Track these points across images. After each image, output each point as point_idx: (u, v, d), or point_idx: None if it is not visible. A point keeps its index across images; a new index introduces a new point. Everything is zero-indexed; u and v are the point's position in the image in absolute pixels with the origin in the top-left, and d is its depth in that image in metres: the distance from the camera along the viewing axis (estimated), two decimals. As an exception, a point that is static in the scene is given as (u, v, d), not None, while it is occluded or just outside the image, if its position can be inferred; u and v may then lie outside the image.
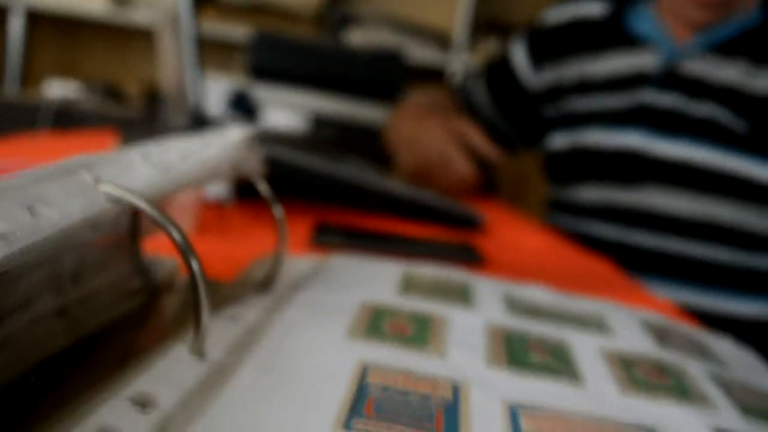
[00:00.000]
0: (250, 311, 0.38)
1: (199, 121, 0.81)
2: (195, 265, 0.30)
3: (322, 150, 0.96)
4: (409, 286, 0.48)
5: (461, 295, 0.47)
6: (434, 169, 1.04)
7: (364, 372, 0.33)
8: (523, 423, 0.31)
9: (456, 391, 0.33)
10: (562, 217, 1.11)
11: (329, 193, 0.80)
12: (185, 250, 0.30)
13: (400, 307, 0.43)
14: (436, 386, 0.33)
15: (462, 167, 1.02)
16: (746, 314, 0.94)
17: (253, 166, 0.43)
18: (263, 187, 0.42)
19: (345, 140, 1.60)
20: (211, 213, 0.70)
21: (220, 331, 0.34)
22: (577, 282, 0.69)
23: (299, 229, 0.69)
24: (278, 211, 0.43)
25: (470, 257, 0.67)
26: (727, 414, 0.35)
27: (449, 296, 0.47)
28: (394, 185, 0.88)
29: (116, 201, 0.29)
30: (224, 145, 0.40)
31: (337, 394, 0.31)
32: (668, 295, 0.89)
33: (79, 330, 0.32)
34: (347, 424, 0.29)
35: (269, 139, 0.89)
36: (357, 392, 0.31)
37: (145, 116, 2.34)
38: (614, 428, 0.32)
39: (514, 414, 0.32)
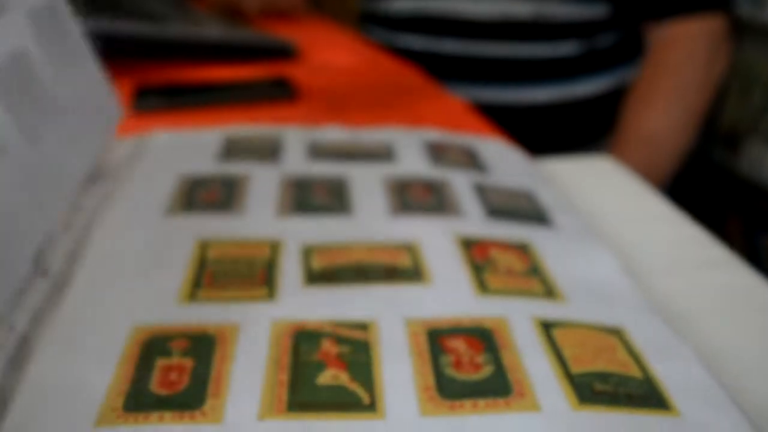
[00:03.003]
0: (80, 215, 0.45)
1: None
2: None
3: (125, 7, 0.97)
4: (228, 151, 0.55)
5: (271, 151, 0.55)
6: None
7: (203, 249, 0.41)
8: (316, 259, 0.41)
9: (274, 249, 0.42)
10: (376, 30, 1.17)
11: (147, 51, 0.84)
12: None
13: (213, 173, 0.50)
14: (258, 248, 0.42)
15: None
16: (540, 100, 1.07)
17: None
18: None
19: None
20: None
21: (55, 243, 0.41)
22: (387, 94, 0.78)
23: (121, 93, 0.73)
24: (88, 117, 0.48)
25: (284, 93, 0.74)
26: (473, 219, 0.46)
27: (261, 154, 0.55)
28: (207, 31, 0.91)
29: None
30: None
31: (178, 272, 0.39)
32: (471, 95, 0.99)
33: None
34: (192, 294, 0.37)
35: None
36: (198, 269, 0.39)
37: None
38: (382, 247, 0.42)
39: (308, 255, 0.41)
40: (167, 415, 0.29)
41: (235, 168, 0.52)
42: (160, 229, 0.43)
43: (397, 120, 0.65)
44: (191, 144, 0.57)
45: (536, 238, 0.45)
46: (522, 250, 0.43)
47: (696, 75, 1.02)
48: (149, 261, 0.40)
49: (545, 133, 1.06)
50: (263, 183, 0.49)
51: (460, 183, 0.51)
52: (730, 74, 1.31)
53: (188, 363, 0.32)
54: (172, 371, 0.32)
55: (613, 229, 0.50)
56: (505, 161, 0.57)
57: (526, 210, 0.48)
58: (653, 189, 0.59)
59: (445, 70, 1.02)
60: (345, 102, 0.75)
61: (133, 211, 0.45)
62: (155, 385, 0.31)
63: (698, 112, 1.04)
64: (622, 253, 0.47)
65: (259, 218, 0.45)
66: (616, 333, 0.36)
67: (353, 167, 0.53)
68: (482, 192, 0.50)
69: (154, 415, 0.29)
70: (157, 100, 0.71)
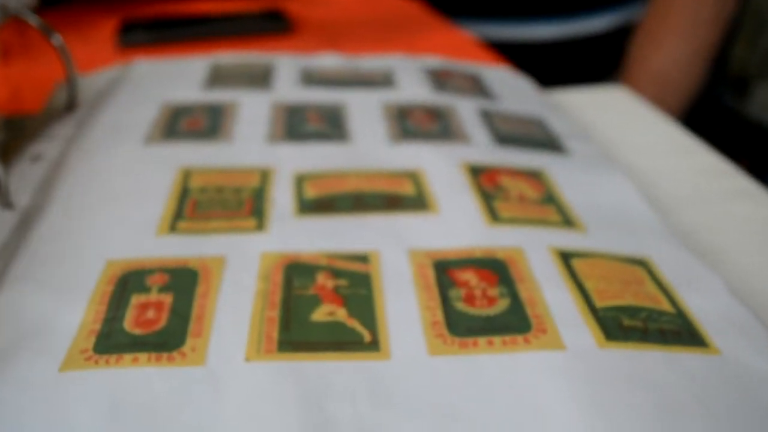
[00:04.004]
0: (52, 145, 0.41)
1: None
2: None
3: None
4: (215, 78, 0.51)
5: (262, 77, 0.51)
6: None
7: (186, 177, 0.37)
8: (309, 188, 0.37)
9: (263, 177, 0.38)
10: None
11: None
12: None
13: (199, 101, 0.46)
14: (246, 176, 0.38)
15: None
16: (547, 37, 1.02)
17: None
18: (33, 19, 0.43)
19: None
20: (13, 31, 0.69)
21: (24, 175, 0.38)
22: (388, 27, 0.73)
23: (106, 30, 0.69)
24: (56, 39, 0.44)
25: (278, 26, 0.70)
26: (480, 146, 0.42)
27: (251, 81, 0.51)
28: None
29: None
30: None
31: (158, 203, 0.35)
32: (477, 32, 0.94)
33: None
34: (172, 226, 0.34)
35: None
36: (179, 198, 0.36)
37: None
38: (383, 175, 0.39)
39: (301, 183, 0.38)
40: (142, 356, 0.26)
41: (222, 95, 0.48)
42: (138, 158, 0.39)
43: (398, 51, 0.61)
44: (175, 72, 0.52)
45: (549, 165, 0.41)
46: (535, 177, 0.39)
47: (706, 11, 0.98)
48: (126, 191, 0.36)
49: (551, 71, 1.01)
50: (252, 110, 0.45)
51: (466, 109, 0.47)
52: (740, 16, 1.26)
53: (167, 299, 0.29)
54: (149, 308, 0.28)
55: (630, 159, 0.47)
56: (513, 89, 0.53)
57: (537, 137, 0.45)
58: (670, 119, 0.55)
59: (450, 5, 0.97)
60: (343, 35, 0.70)
61: (109, 140, 0.41)
62: (130, 324, 0.27)
63: (708, 49, 1.00)
64: (642, 184, 0.43)
65: (248, 146, 0.41)
66: (642, 264, 0.33)
67: (350, 93, 0.48)
68: (489, 119, 0.46)
69: (127, 357, 0.26)
70: (144, 34, 0.66)
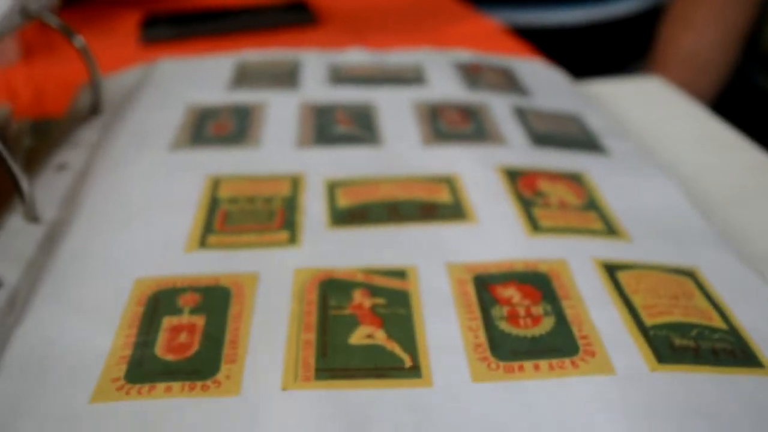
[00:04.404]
0: (77, 153, 0.40)
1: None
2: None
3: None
4: (241, 77, 0.50)
5: (289, 76, 0.50)
6: None
7: (215, 186, 0.36)
8: (342, 196, 0.36)
9: (294, 184, 0.37)
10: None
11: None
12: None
13: (224, 103, 0.45)
14: (276, 184, 0.37)
15: None
16: (576, 21, 0.99)
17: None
18: (53, 21, 0.42)
19: None
20: (35, 30, 0.68)
21: (50, 185, 0.37)
22: (414, 16, 0.72)
23: (129, 25, 0.68)
24: (78, 41, 0.43)
25: (302, 18, 0.68)
26: (516, 147, 0.41)
27: (277, 80, 0.49)
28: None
29: None
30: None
31: (187, 215, 0.34)
32: (504, 18, 0.92)
33: None
34: (202, 241, 0.33)
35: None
36: (209, 209, 0.35)
37: None
38: (417, 181, 0.37)
39: (332, 191, 0.37)
40: (176, 386, 0.25)
41: (249, 96, 0.47)
42: (165, 165, 0.38)
43: (425, 43, 0.59)
44: (200, 71, 0.51)
45: (589, 166, 0.39)
46: (575, 180, 0.38)
47: None
48: (153, 203, 0.35)
49: (580, 56, 0.99)
50: (280, 111, 0.44)
51: (500, 107, 0.45)
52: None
53: (199, 321, 0.28)
54: (181, 332, 0.27)
55: (671, 156, 0.45)
56: (547, 83, 0.51)
57: (575, 135, 0.43)
58: (703, 103, 0.53)
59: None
60: (369, 25, 0.69)
61: (134, 147, 0.40)
62: (162, 349, 0.27)
63: (739, 30, 0.97)
64: (685, 183, 0.41)
65: (277, 151, 0.40)
66: (690, 275, 0.31)
67: (379, 91, 0.47)
68: (524, 116, 0.45)
69: (160, 386, 0.25)
70: (166, 29, 0.65)
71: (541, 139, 0.42)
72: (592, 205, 0.36)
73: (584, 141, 0.42)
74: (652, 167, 0.40)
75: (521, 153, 0.40)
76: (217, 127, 0.42)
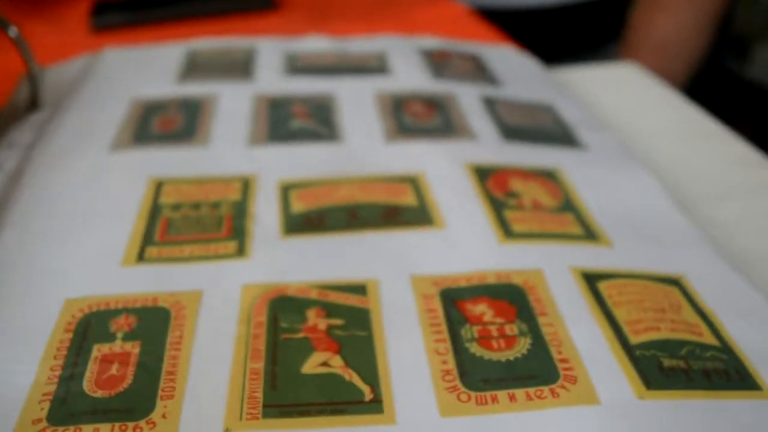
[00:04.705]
0: (11, 154, 0.37)
1: None
2: None
3: None
4: (191, 68, 0.46)
5: (242, 66, 0.47)
6: None
7: (157, 190, 0.33)
8: (297, 200, 0.33)
9: (245, 187, 0.34)
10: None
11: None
12: None
13: (172, 96, 0.42)
14: (225, 187, 0.34)
15: None
16: (545, 4, 0.97)
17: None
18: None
19: None
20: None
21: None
22: (383, 2, 0.69)
23: (80, 10, 0.64)
24: (12, 30, 0.40)
25: (261, 3, 0.65)
26: (485, 143, 0.38)
27: (230, 70, 0.46)
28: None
29: None
30: None
31: (125, 224, 0.31)
32: (471, 0, 0.89)
33: None
34: (140, 254, 0.29)
35: None
36: (150, 217, 0.31)
37: None
38: (379, 181, 0.34)
39: (287, 194, 0.33)
40: (104, 428, 0.22)
41: (199, 88, 0.43)
42: (104, 167, 0.35)
43: (391, 29, 0.56)
44: (147, 62, 0.48)
45: (564, 162, 0.37)
46: (549, 178, 0.35)
47: None
48: (89, 211, 0.32)
49: (549, 39, 0.96)
50: (232, 105, 0.41)
51: (468, 98, 0.43)
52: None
53: (134, 349, 0.25)
54: (113, 363, 0.24)
55: (648, 147, 0.42)
56: (518, 71, 0.49)
57: (549, 128, 0.40)
58: (675, 89, 0.50)
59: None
60: (330, 11, 0.65)
61: (72, 148, 0.37)
62: (90, 383, 0.23)
63: (713, 14, 0.95)
64: (663, 177, 0.39)
65: (227, 149, 0.37)
66: (676, 283, 0.29)
67: (340, 82, 0.44)
68: (494, 108, 0.42)
69: (87, 430, 0.22)
70: (117, 15, 0.61)
71: (513, 132, 0.39)
72: (568, 206, 0.33)
73: (558, 134, 0.40)
74: (630, 162, 0.37)
75: (491, 148, 0.37)
76: (162, 123, 0.39)
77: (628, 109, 0.47)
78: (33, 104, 0.42)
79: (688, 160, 0.41)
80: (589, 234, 0.31)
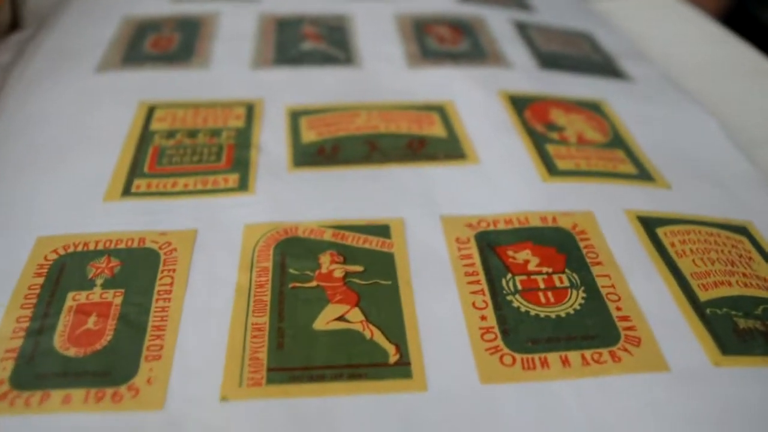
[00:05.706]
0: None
1: None
2: None
3: None
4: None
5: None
6: None
7: (148, 115, 0.29)
8: (307, 128, 0.29)
9: (249, 113, 0.29)
10: None
11: None
12: None
13: (169, 14, 0.37)
14: (226, 112, 0.29)
15: None
16: None
17: None
18: None
19: None
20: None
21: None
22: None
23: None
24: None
25: None
26: (520, 70, 0.34)
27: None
28: None
29: None
30: None
31: (111, 153, 0.27)
32: None
33: None
34: (127, 187, 0.25)
35: None
36: (138, 144, 0.27)
37: None
38: (402, 108, 0.30)
39: (296, 122, 0.29)
40: (77, 394, 0.18)
41: (198, 5, 0.39)
42: (89, 90, 0.31)
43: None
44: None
45: (609, 94, 0.32)
46: (594, 110, 0.31)
47: None
48: (71, 138, 0.28)
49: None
50: (235, 24, 0.37)
51: (498, 21, 0.38)
52: None
53: (115, 300, 0.21)
54: (89, 314, 0.20)
55: (697, 86, 0.38)
56: (551, -3, 0.44)
57: (588, 57, 0.36)
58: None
59: None
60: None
61: (55, 69, 0.33)
62: (62, 339, 0.20)
63: None
64: (716, 116, 0.35)
65: (229, 72, 0.33)
66: (744, 232, 0.25)
67: (355, 2, 0.39)
68: (527, 33, 0.37)
69: (57, 396, 0.18)
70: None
71: (550, 60, 0.35)
72: (617, 142, 0.29)
73: (600, 63, 0.35)
74: (684, 98, 0.33)
75: (527, 76, 0.33)
76: (157, 42, 0.35)
77: (668, 41, 0.43)
78: (15, 24, 0.38)
79: (742, 99, 0.37)
80: (644, 174, 0.27)
